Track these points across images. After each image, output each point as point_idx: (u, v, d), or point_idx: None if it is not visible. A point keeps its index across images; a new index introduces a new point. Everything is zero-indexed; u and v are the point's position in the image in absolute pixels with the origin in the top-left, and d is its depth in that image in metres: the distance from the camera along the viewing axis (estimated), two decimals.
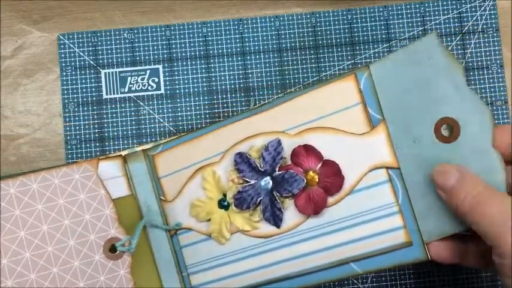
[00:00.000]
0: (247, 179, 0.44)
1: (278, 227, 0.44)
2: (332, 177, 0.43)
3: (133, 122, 0.53)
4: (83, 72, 0.53)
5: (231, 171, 0.45)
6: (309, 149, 0.43)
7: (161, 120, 0.53)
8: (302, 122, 0.44)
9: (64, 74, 0.53)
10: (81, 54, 0.54)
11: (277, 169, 0.44)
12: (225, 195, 0.46)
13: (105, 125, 0.53)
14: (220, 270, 0.46)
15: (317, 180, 0.43)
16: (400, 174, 0.42)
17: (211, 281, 0.46)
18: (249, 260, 0.45)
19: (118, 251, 0.46)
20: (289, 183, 0.43)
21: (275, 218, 0.44)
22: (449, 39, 0.53)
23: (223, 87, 0.53)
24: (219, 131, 0.46)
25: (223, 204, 0.46)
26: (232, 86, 0.53)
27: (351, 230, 0.42)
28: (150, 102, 0.53)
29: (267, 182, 0.44)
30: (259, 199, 0.44)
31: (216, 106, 0.53)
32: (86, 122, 0.53)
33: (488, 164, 0.39)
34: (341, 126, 0.43)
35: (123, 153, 0.49)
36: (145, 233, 0.47)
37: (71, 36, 0.54)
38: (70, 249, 0.45)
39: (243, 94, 0.53)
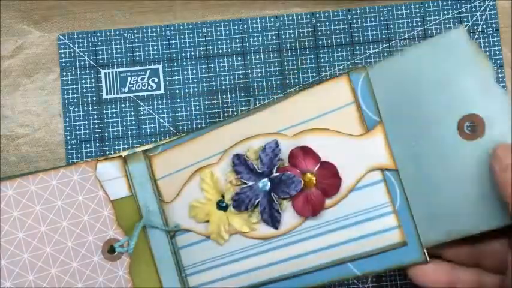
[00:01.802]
0: (245, 181, 0.44)
1: (276, 228, 0.44)
2: (329, 179, 0.43)
3: (133, 122, 0.53)
4: (83, 72, 0.53)
5: (229, 173, 0.45)
6: (306, 151, 0.43)
7: (161, 120, 0.53)
8: (298, 123, 0.44)
9: (64, 74, 0.53)
10: (81, 54, 0.54)
11: (274, 171, 0.43)
12: (223, 196, 0.45)
13: (105, 125, 0.53)
14: (218, 271, 0.46)
15: (314, 182, 0.43)
16: (398, 176, 0.41)
17: (209, 281, 0.46)
18: (246, 260, 0.45)
19: (116, 252, 0.46)
20: (286, 185, 0.43)
21: (273, 220, 0.44)
22: None
23: (223, 87, 0.53)
24: (217, 131, 0.46)
25: (221, 206, 0.45)
26: (232, 86, 0.53)
27: (347, 230, 0.42)
28: (150, 102, 0.53)
29: (265, 183, 0.44)
30: (257, 201, 0.44)
31: (216, 106, 0.53)
32: (86, 122, 0.53)
33: None
34: (336, 127, 0.43)
35: (123, 154, 0.49)
36: (144, 234, 0.47)
37: (71, 36, 0.54)
38: (68, 250, 0.45)
39: (243, 94, 0.53)
